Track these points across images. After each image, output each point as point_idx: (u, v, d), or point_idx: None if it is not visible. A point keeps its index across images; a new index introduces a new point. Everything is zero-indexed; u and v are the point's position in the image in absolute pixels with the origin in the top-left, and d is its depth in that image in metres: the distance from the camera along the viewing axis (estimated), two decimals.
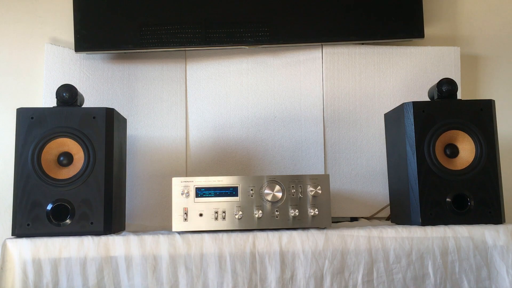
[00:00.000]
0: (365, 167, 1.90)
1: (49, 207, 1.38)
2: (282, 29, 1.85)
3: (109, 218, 1.40)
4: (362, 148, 1.91)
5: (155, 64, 1.92)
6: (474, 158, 1.46)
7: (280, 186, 1.41)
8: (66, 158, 1.42)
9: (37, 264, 1.30)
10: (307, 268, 1.35)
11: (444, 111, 1.48)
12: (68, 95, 1.47)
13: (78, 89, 1.50)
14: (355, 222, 1.82)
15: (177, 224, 1.39)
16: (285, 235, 1.36)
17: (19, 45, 1.92)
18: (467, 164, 1.47)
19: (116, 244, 1.32)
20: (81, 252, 1.32)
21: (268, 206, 1.41)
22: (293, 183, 1.42)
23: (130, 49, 1.84)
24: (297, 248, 1.35)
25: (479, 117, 1.48)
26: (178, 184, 1.41)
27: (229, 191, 1.41)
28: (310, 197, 1.41)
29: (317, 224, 1.41)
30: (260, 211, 1.40)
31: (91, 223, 1.38)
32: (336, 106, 1.91)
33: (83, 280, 1.31)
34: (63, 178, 1.40)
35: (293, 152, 1.90)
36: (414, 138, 1.46)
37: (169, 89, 1.92)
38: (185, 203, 1.40)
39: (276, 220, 1.40)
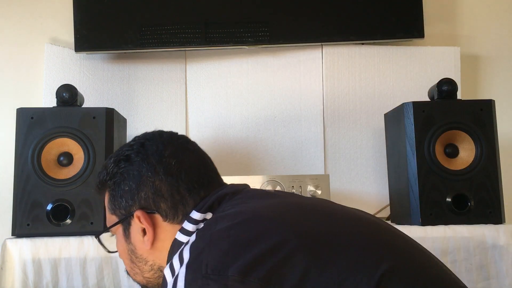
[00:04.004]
0: (365, 167, 1.90)
1: (49, 207, 1.38)
2: (282, 29, 1.85)
3: None
4: (362, 148, 1.91)
5: (155, 64, 1.92)
6: (474, 158, 1.46)
7: (280, 186, 1.41)
8: (66, 158, 1.42)
9: (37, 264, 1.30)
10: None
11: (444, 111, 1.48)
12: (68, 95, 1.47)
13: (78, 89, 1.50)
14: None
15: None
16: None
17: (19, 45, 1.92)
18: (467, 164, 1.47)
19: None
20: (81, 252, 1.32)
21: None
22: (293, 183, 1.42)
23: (130, 49, 1.84)
24: None
25: (479, 117, 1.48)
26: None
27: None
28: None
29: None
30: None
31: (91, 223, 1.38)
32: (336, 106, 1.91)
33: (83, 280, 1.31)
34: (63, 178, 1.40)
35: (293, 152, 1.90)
36: (414, 138, 1.46)
37: (169, 89, 1.91)
38: None
39: None
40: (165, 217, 0.90)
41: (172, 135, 0.98)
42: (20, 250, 1.31)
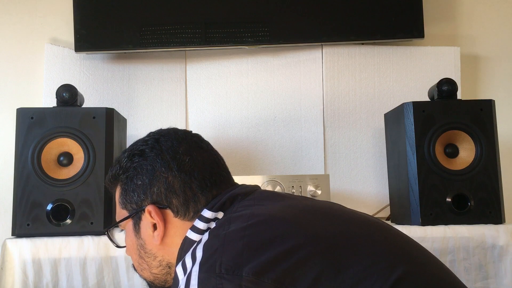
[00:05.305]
0: (365, 167, 1.90)
1: (49, 207, 1.38)
2: (282, 29, 1.85)
3: (109, 218, 1.40)
4: (362, 148, 1.91)
5: (155, 64, 1.92)
6: (474, 158, 1.46)
7: (280, 186, 1.41)
8: (66, 158, 1.42)
9: (37, 264, 1.30)
10: None
11: (444, 111, 1.48)
12: (68, 95, 1.47)
13: (78, 89, 1.50)
14: None
15: None
16: None
17: (19, 45, 1.92)
18: (467, 164, 1.47)
19: None
20: (81, 252, 1.32)
21: None
22: (293, 183, 1.42)
23: (130, 49, 1.84)
24: None
25: (479, 117, 1.48)
26: None
27: None
28: (310, 197, 1.41)
29: None
30: None
31: (91, 223, 1.38)
32: (336, 106, 1.91)
33: (83, 280, 1.31)
34: (63, 178, 1.40)
35: (293, 152, 1.90)
36: (414, 138, 1.46)
37: (169, 89, 1.91)
38: None
39: None
40: (176, 213, 0.90)
41: (186, 133, 0.99)
42: (20, 250, 1.31)
